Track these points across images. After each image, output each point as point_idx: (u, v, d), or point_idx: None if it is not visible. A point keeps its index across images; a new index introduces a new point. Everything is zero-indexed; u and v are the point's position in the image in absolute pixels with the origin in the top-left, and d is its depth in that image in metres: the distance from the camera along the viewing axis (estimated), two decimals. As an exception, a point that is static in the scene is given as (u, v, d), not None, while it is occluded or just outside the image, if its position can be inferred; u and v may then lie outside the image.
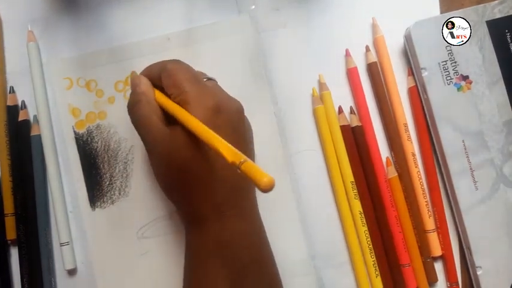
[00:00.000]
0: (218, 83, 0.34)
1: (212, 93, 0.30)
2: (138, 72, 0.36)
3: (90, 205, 0.37)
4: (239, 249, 0.30)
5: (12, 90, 0.39)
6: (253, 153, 0.34)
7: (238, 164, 0.24)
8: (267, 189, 0.23)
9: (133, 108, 0.31)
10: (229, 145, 0.25)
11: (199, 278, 0.30)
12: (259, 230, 0.32)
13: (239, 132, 0.31)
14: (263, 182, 0.23)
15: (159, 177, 0.32)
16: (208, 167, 0.29)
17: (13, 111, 0.38)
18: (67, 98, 0.38)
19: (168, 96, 0.30)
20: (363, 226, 0.36)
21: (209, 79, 0.33)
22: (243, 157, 0.24)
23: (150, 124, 0.30)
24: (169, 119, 0.31)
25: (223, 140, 0.26)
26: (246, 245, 0.30)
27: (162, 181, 0.32)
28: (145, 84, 0.32)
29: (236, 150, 0.25)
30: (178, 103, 0.30)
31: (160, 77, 0.31)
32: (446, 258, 0.37)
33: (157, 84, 0.31)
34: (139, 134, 0.31)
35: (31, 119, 0.38)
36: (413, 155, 0.37)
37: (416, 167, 0.37)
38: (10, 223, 0.37)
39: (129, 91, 0.38)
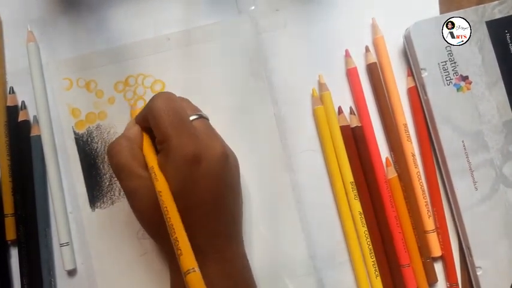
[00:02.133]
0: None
1: (194, 140, 0.29)
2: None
3: (90, 205, 0.37)
4: None
5: (12, 91, 0.39)
6: (240, 197, 0.34)
7: (185, 272, 0.24)
8: None
9: (111, 152, 0.31)
10: (187, 244, 0.25)
11: None
12: (243, 271, 0.32)
13: (222, 181, 0.30)
14: None
15: (141, 223, 0.31)
16: (189, 213, 0.29)
17: (13, 111, 0.38)
18: (67, 99, 0.38)
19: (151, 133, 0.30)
20: (363, 226, 0.36)
21: (201, 116, 0.32)
22: (193, 265, 0.24)
23: (130, 170, 0.30)
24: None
25: (184, 236, 0.25)
26: (228, 286, 0.30)
27: (144, 226, 0.32)
28: (133, 130, 0.32)
29: (191, 255, 0.24)
30: (161, 150, 0.29)
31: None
32: (446, 259, 0.37)
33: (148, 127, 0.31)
34: (118, 179, 0.31)
35: (31, 119, 0.38)
36: (413, 155, 0.37)
37: (416, 167, 0.37)
38: (10, 224, 0.37)
39: (129, 92, 0.38)
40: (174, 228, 0.26)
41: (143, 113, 0.32)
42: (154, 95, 0.31)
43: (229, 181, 0.32)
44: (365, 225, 0.36)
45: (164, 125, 0.29)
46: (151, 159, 0.30)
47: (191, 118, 0.31)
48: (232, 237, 0.32)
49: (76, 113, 0.38)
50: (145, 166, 0.30)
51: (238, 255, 0.33)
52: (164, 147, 0.29)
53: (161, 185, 0.28)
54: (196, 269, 0.24)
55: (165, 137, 0.29)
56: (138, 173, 0.30)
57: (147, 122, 0.31)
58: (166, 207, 0.27)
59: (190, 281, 0.23)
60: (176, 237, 0.25)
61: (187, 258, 0.24)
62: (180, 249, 0.25)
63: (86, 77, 0.38)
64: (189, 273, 0.24)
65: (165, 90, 0.38)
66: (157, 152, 0.31)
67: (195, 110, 0.33)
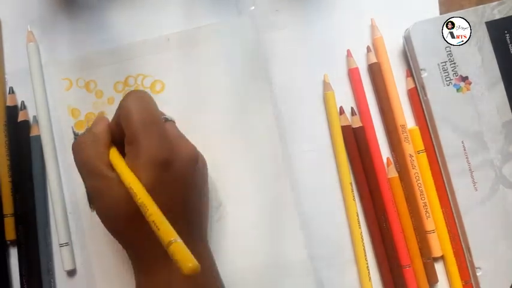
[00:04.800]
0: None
1: (165, 143, 0.28)
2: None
3: (90, 206, 0.37)
4: None
5: (11, 91, 0.39)
6: (206, 199, 0.33)
7: (167, 244, 0.24)
8: (189, 274, 0.23)
9: (75, 149, 0.30)
10: (164, 220, 0.25)
11: None
12: (210, 269, 0.32)
13: (190, 184, 0.30)
14: (187, 267, 0.23)
15: (105, 224, 0.30)
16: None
17: (12, 111, 0.38)
18: (66, 99, 0.38)
19: (123, 135, 0.29)
20: (364, 227, 0.36)
21: (167, 120, 0.31)
22: (174, 236, 0.24)
23: (94, 170, 0.29)
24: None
25: (158, 213, 0.25)
26: (197, 285, 0.30)
27: (109, 228, 0.31)
28: (100, 126, 0.31)
29: (170, 228, 0.25)
30: (129, 152, 0.29)
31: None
32: (456, 258, 0.36)
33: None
34: (82, 178, 0.30)
35: (30, 119, 0.38)
36: (411, 156, 0.37)
37: (414, 168, 0.37)
38: (9, 224, 0.37)
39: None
40: (147, 207, 0.26)
41: (116, 114, 0.31)
42: (127, 94, 0.30)
43: (198, 183, 0.31)
44: (366, 226, 0.36)
45: (135, 125, 0.28)
46: (121, 162, 0.29)
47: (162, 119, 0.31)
48: (200, 235, 0.32)
49: (75, 113, 0.38)
50: (110, 165, 0.29)
51: (206, 251, 0.33)
52: (133, 149, 0.28)
53: (130, 178, 0.27)
54: (178, 239, 0.24)
55: (135, 138, 0.28)
56: (102, 173, 0.29)
57: (120, 126, 0.30)
58: (135, 193, 0.26)
59: (174, 251, 0.24)
60: (150, 213, 0.25)
61: (167, 231, 0.24)
62: (158, 224, 0.25)
63: (86, 77, 0.38)
64: (171, 243, 0.24)
65: (165, 90, 0.38)
66: (123, 153, 0.30)
67: (162, 114, 0.32)
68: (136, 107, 0.29)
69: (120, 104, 0.30)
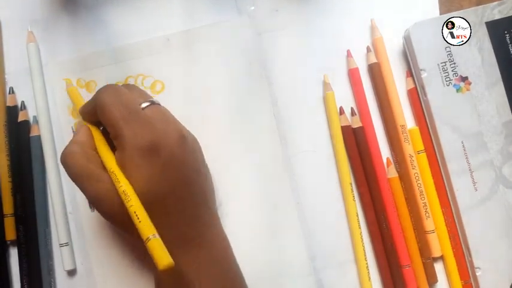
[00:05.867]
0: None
1: (148, 129, 0.28)
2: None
3: (90, 206, 0.37)
4: (208, 279, 0.29)
5: (11, 91, 0.39)
6: (207, 175, 0.33)
7: (145, 241, 0.25)
8: (163, 271, 0.24)
9: (66, 163, 0.29)
10: (145, 216, 0.26)
11: None
12: (227, 255, 0.32)
13: (186, 165, 0.30)
14: (162, 265, 0.24)
15: (115, 224, 0.30)
16: (163, 203, 0.28)
17: (13, 112, 0.38)
18: (67, 99, 0.38)
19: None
20: (364, 227, 0.36)
21: (152, 103, 0.31)
22: (153, 232, 0.25)
23: (88, 176, 0.28)
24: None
25: (139, 206, 0.26)
26: (215, 273, 0.30)
27: (118, 227, 0.31)
28: (82, 132, 0.31)
29: (149, 224, 0.25)
30: (117, 146, 0.29)
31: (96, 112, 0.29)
32: (456, 258, 0.36)
33: (98, 121, 0.30)
34: (80, 188, 0.29)
35: (31, 119, 0.38)
36: (411, 156, 0.37)
37: (414, 168, 0.37)
38: (9, 224, 0.37)
39: (129, 92, 0.38)
40: (128, 199, 0.26)
41: (90, 107, 0.31)
42: (99, 90, 0.30)
43: (194, 163, 0.31)
44: (366, 226, 0.36)
45: (115, 119, 0.28)
46: (109, 159, 0.29)
47: (143, 106, 0.30)
48: (211, 218, 0.32)
49: (76, 113, 0.38)
50: (104, 166, 0.29)
51: (219, 236, 0.32)
52: (119, 143, 0.28)
53: (123, 185, 0.27)
54: (156, 235, 0.25)
55: (118, 132, 0.28)
56: (98, 176, 0.28)
57: (97, 116, 0.30)
58: (116, 184, 0.27)
59: (151, 247, 0.25)
60: (131, 205, 0.26)
61: (147, 226, 0.25)
62: (138, 218, 0.26)
63: (86, 77, 0.38)
64: (149, 240, 0.25)
65: (165, 90, 0.38)
66: (113, 148, 0.30)
67: (146, 96, 0.32)
68: (112, 102, 0.29)
69: (95, 103, 0.30)
